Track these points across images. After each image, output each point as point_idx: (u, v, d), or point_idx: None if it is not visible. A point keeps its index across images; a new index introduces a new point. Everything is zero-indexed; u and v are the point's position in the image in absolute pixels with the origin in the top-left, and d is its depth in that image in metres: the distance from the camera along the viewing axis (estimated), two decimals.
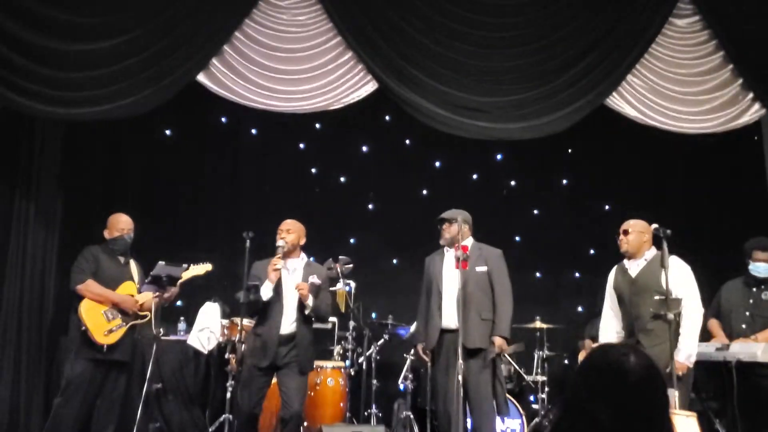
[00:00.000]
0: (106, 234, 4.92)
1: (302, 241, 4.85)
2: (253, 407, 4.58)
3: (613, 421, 1.40)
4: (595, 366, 1.48)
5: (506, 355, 5.70)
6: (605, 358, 1.49)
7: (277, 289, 4.65)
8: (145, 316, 4.78)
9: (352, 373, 5.97)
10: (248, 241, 4.38)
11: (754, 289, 5.04)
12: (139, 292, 4.82)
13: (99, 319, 4.63)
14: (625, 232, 4.56)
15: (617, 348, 1.52)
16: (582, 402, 1.46)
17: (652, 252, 4.53)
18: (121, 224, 4.92)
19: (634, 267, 4.55)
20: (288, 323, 4.66)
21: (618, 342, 4.47)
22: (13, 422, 5.32)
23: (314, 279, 4.75)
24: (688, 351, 4.21)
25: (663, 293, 4.14)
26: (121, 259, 4.92)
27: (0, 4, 5.07)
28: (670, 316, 3.91)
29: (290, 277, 4.74)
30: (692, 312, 4.26)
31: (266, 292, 4.58)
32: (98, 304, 4.66)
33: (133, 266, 4.97)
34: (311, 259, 5.08)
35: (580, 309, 7.02)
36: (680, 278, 4.32)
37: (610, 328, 4.68)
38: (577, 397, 1.48)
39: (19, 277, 5.59)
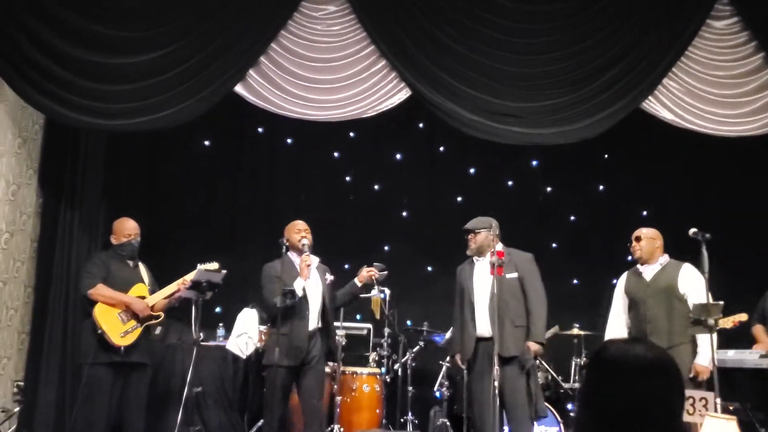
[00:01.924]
0: (113, 240, 5.00)
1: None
2: (283, 409, 4.71)
3: (620, 413, 1.41)
4: (599, 359, 1.49)
5: (543, 362, 5.67)
6: (609, 350, 1.49)
7: (304, 288, 4.78)
8: (159, 317, 4.85)
9: (388, 380, 5.99)
10: (284, 247, 4.43)
11: None
12: (151, 293, 4.90)
13: (114, 321, 4.69)
14: (638, 239, 4.76)
15: (622, 340, 1.52)
16: (588, 397, 1.48)
17: (665, 258, 4.69)
18: (128, 230, 4.99)
19: (648, 271, 4.69)
20: (315, 319, 4.83)
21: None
22: (59, 425, 5.46)
23: (329, 276, 4.95)
24: (708, 355, 4.21)
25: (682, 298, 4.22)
26: (130, 263, 4.98)
27: (45, 20, 5.26)
28: (711, 321, 3.85)
29: (311, 275, 4.87)
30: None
31: (299, 289, 4.70)
32: (111, 308, 4.72)
33: (142, 269, 5.05)
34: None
35: None
36: (695, 285, 4.41)
37: (616, 333, 4.77)
38: (585, 393, 1.50)
39: (65, 283, 5.76)
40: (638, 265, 4.74)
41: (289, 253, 4.87)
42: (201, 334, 4.61)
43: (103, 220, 6.09)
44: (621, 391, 1.42)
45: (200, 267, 4.64)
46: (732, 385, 4.91)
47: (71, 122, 5.37)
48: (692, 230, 4.08)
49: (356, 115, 5.45)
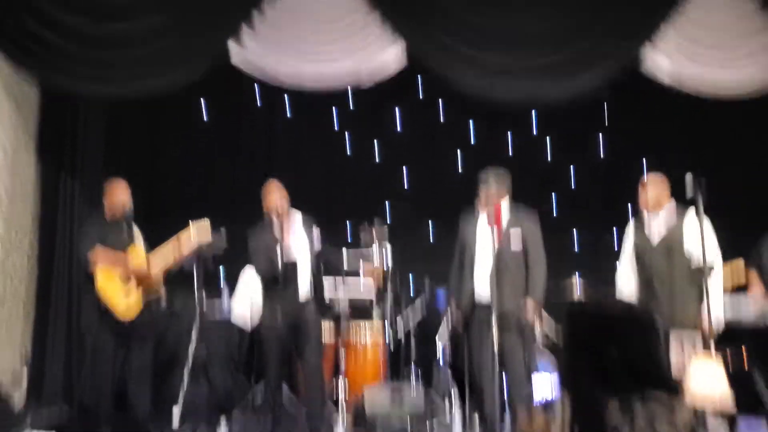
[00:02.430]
0: (108, 201, 5.01)
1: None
2: (280, 365, 4.85)
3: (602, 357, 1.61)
4: (570, 314, 1.74)
5: (542, 313, 5.72)
6: (579, 307, 1.80)
7: (288, 252, 4.82)
8: (157, 291, 4.94)
9: (392, 335, 6.08)
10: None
11: None
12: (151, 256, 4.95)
13: (116, 286, 4.73)
14: (644, 186, 4.59)
15: (595, 297, 1.71)
16: (570, 344, 1.73)
17: (671, 204, 4.55)
18: (121, 195, 5.02)
19: (653, 220, 4.57)
20: (304, 280, 4.92)
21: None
22: (67, 393, 5.57)
23: (316, 232, 4.98)
24: (716, 312, 4.09)
25: (679, 246, 4.28)
26: (123, 225, 5.00)
27: None
28: (707, 280, 3.83)
29: (294, 237, 4.92)
30: (718, 270, 4.23)
31: (284, 258, 4.75)
32: (111, 273, 4.74)
33: (136, 230, 5.07)
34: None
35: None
36: (698, 234, 4.21)
37: (626, 281, 4.71)
38: (566, 345, 1.78)
39: (68, 255, 5.82)
40: (645, 213, 4.65)
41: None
42: (204, 302, 4.64)
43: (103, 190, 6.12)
44: (605, 334, 1.65)
45: (192, 224, 4.65)
46: (732, 339, 4.91)
47: (60, 90, 5.36)
48: (688, 175, 4.03)
49: (352, 83, 5.42)
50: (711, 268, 3.82)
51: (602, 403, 1.61)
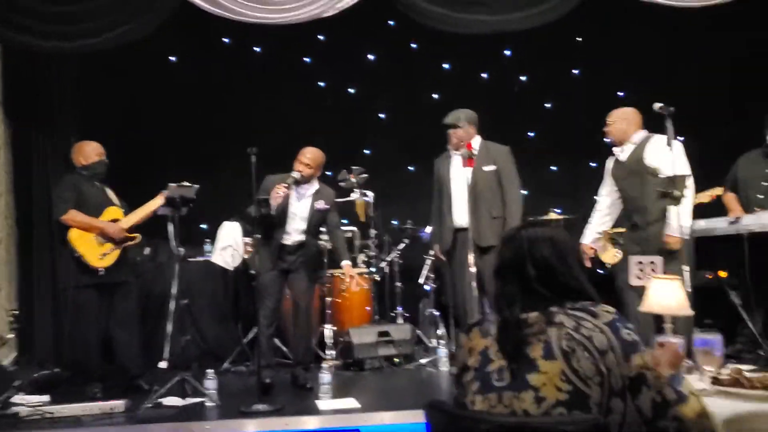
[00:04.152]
0: (81, 161, 4.91)
1: (318, 173, 5.04)
2: (272, 310, 4.89)
3: (525, 273, 1.81)
4: (505, 238, 1.93)
5: None
6: (512, 231, 1.93)
7: (285, 208, 4.90)
8: (134, 238, 4.90)
9: (378, 279, 6.16)
10: (253, 157, 4.44)
11: None
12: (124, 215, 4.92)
13: (91, 244, 4.72)
14: (609, 122, 4.68)
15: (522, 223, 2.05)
16: (499, 268, 1.88)
17: (640, 135, 4.60)
18: (96, 149, 4.94)
19: (623, 151, 4.64)
20: (294, 237, 4.97)
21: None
22: (57, 349, 5.63)
23: (321, 205, 5.00)
24: (677, 223, 4.19)
25: (654, 173, 4.31)
26: (98, 184, 4.95)
27: None
28: (677, 193, 3.89)
29: (298, 200, 4.99)
30: (687, 188, 4.27)
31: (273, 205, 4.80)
32: (86, 232, 4.73)
33: (109, 191, 5.03)
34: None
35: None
36: (663, 157, 4.29)
37: (596, 209, 4.86)
38: (496, 266, 1.90)
39: (46, 212, 5.77)
40: (614, 148, 4.73)
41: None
42: (182, 249, 4.65)
43: None
44: (522, 255, 1.82)
45: (171, 185, 4.65)
46: (705, 254, 5.04)
47: (27, 46, 5.25)
48: (657, 105, 4.05)
49: (316, 15, 5.31)
50: (683, 183, 3.84)
51: (524, 321, 1.74)
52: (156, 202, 4.84)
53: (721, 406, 2.09)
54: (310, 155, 4.92)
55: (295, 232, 4.96)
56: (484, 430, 1.61)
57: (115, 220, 4.85)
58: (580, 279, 1.80)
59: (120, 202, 5.03)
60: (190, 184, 4.68)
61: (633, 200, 4.56)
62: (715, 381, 2.26)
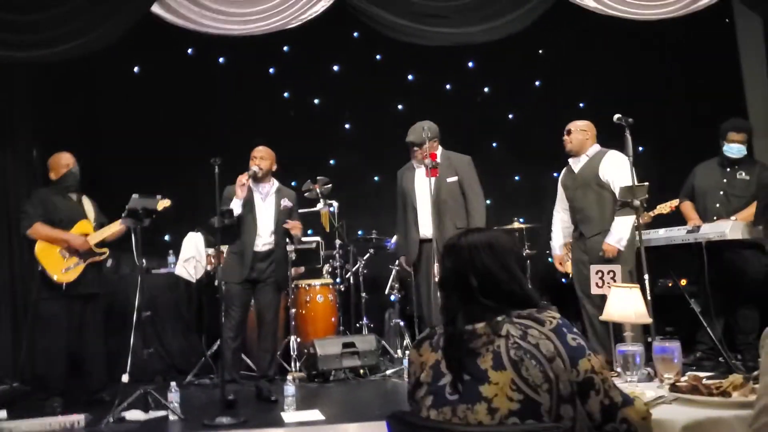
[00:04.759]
0: (53, 175, 4.91)
1: (274, 168, 5.19)
2: (239, 322, 4.91)
3: (467, 282, 1.78)
4: (445, 247, 1.90)
5: None
6: (452, 239, 1.90)
7: (251, 211, 4.98)
8: (103, 253, 4.85)
9: (342, 289, 6.15)
10: (216, 167, 4.41)
11: (729, 170, 5.12)
12: (99, 227, 4.87)
13: (55, 258, 4.68)
14: (568, 132, 4.87)
15: (462, 231, 1.94)
16: (443, 278, 1.88)
17: (594, 149, 4.81)
18: (64, 160, 4.91)
19: (577, 163, 4.84)
20: (263, 242, 5.03)
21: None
22: (15, 367, 5.49)
23: (286, 202, 5.13)
24: (618, 235, 4.51)
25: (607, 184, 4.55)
26: (74, 197, 4.92)
27: None
28: (636, 202, 3.97)
29: (263, 200, 5.10)
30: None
31: (236, 209, 4.90)
32: (51, 245, 4.69)
33: (87, 202, 4.99)
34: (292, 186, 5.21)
35: None
36: (617, 169, 4.57)
37: (556, 221, 5.05)
38: (441, 277, 1.91)
39: (5, 225, 5.67)
40: (570, 158, 4.86)
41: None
42: (144, 260, 4.61)
43: (39, 160, 5.94)
44: (463, 265, 1.80)
45: (135, 196, 4.60)
46: (665, 262, 5.16)
47: None
48: (616, 116, 4.14)
49: (280, 26, 5.31)
50: (643, 193, 3.94)
51: (472, 332, 1.72)
52: (118, 226, 4.83)
53: (679, 413, 2.13)
54: (261, 151, 5.12)
55: (264, 234, 5.02)
56: None
57: (85, 234, 4.81)
58: (523, 285, 1.79)
59: (97, 214, 4.99)
60: (161, 198, 4.66)
61: (580, 210, 4.76)
62: (674, 388, 2.30)
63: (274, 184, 5.20)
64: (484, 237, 1.83)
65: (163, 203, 4.81)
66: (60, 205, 4.82)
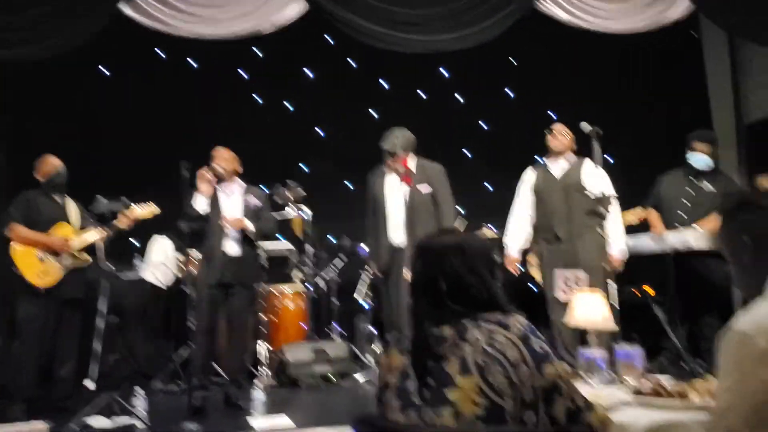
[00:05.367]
0: (40, 177, 4.88)
1: (238, 169, 5.04)
2: (209, 325, 4.80)
3: (438, 285, 1.78)
4: (416, 248, 1.90)
5: None
6: (423, 241, 1.91)
7: (217, 212, 4.84)
8: (85, 261, 4.81)
9: (315, 296, 6.12)
10: (185, 171, 4.38)
11: (694, 180, 5.20)
12: (82, 228, 4.82)
13: (32, 261, 4.64)
14: (554, 132, 4.89)
15: (434, 234, 1.97)
16: (414, 281, 1.87)
17: (572, 155, 4.87)
18: (52, 162, 4.90)
19: (557, 167, 4.81)
20: (231, 245, 4.88)
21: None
22: None
23: (251, 198, 4.96)
24: (621, 246, 4.55)
25: (587, 191, 4.55)
26: (58, 199, 4.89)
27: None
28: (604, 211, 4.04)
29: (229, 200, 4.94)
30: (616, 208, 4.52)
31: (201, 206, 4.73)
32: (29, 247, 4.65)
33: (71, 205, 4.94)
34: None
35: None
36: (601, 178, 4.54)
37: (514, 223, 5.06)
38: (412, 280, 1.89)
39: None
40: (547, 161, 4.86)
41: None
42: (110, 265, 4.56)
43: (3, 160, 5.85)
44: (432, 268, 1.80)
45: (99, 198, 4.56)
46: (632, 270, 5.22)
47: None
48: (583, 124, 4.19)
49: (252, 31, 5.29)
50: (608, 202, 4.00)
51: (439, 337, 1.73)
52: (102, 233, 4.78)
53: (641, 416, 2.16)
54: (221, 152, 4.96)
55: (232, 235, 4.87)
56: None
57: (65, 238, 4.76)
58: (492, 289, 1.79)
59: (82, 217, 4.93)
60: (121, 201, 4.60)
61: (557, 213, 4.76)
62: (636, 392, 2.34)
63: (241, 185, 5.05)
64: (455, 240, 1.84)
65: (152, 210, 4.77)
66: (43, 206, 4.79)
